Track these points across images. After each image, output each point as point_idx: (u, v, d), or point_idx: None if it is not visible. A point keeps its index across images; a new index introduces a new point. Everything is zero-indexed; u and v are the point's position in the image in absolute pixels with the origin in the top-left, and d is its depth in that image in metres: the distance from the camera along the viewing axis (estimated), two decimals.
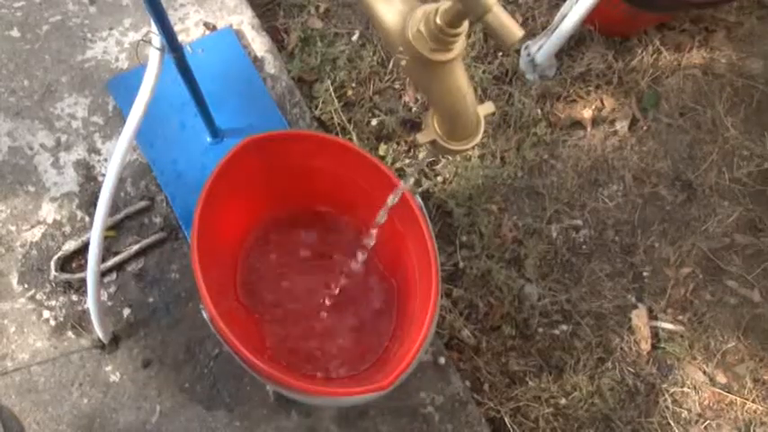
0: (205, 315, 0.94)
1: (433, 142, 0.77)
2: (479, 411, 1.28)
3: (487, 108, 0.78)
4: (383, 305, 1.23)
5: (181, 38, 1.35)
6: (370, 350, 1.18)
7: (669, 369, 1.42)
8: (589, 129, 1.56)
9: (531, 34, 1.60)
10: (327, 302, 1.21)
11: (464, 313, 1.39)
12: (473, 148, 0.80)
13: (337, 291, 1.21)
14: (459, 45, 0.66)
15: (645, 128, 1.58)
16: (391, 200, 0.97)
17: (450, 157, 1.47)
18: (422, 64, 0.67)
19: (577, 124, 1.57)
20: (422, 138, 0.78)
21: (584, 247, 1.48)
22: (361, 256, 1.13)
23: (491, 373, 1.35)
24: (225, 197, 1.08)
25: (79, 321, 1.25)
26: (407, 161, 1.48)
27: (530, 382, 1.36)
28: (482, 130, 0.77)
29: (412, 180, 1.08)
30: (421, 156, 1.45)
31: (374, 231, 1.08)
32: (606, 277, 1.46)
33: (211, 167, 1.04)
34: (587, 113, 1.57)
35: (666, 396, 1.39)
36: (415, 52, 0.65)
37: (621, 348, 1.41)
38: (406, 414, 1.26)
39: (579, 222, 1.50)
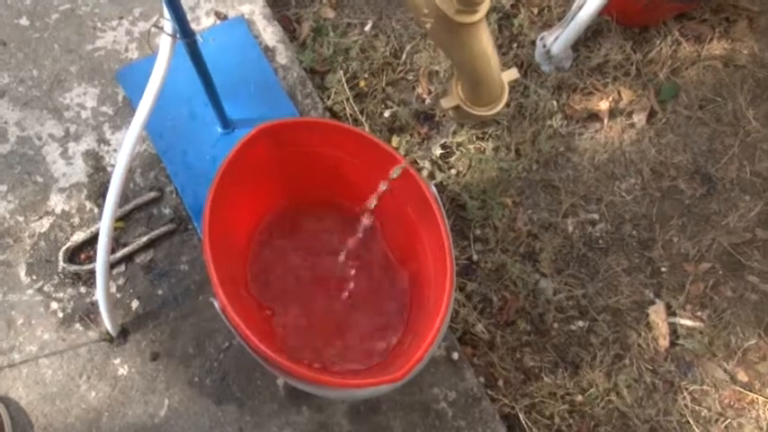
0: (216, 305, 0.93)
1: (456, 108, 0.77)
2: (493, 408, 1.27)
3: (512, 74, 0.77)
4: (396, 297, 1.22)
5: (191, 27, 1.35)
6: (383, 343, 1.17)
7: (688, 366, 1.40)
8: (606, 121, 1.55)
9: (546, 25, 1.58)
10: (340, 294, 1.20)
11: (478, 308, 1.38)
12: (497, 114, 0.80)
13: (350, 283, 1.20)
14: (484, 6, 0.65)
15: (663, 120, 1.56)
16: (394, 172, 0.97)
17: (472, 126, 1.47)
18: (446, 26, 0.66)
19: (594, 116, 1.55)
20: (445, 103, 0.78)
21: (600, 241, 1.47)
22: (366, 241, 1.13)
23: (505, 368, 1.34)
24: (236, 187, 1.07)
25: (87, 314, 1.24)
26: (421, 153, 1.47)
27: (545, 379, 1.35)
28: (506, 96, 0.77)
29: (427, 162, 1.08)
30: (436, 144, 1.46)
31: (374, 199, 1.08)
32: (623, 272, 1.44)
33: (222, 158, 1.04)
34: (604, 105, 1.55)
35: (685, 394, 1.37)
36: (439, 13, 0.65)
37: (639, 345, 1.40)
38: (418, 409, 1.25)
39: (596, 216, 1.48)
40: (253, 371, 1.23)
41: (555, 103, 1.54)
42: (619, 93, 1.57)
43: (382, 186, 1.05)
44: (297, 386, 1.00)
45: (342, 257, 1.24)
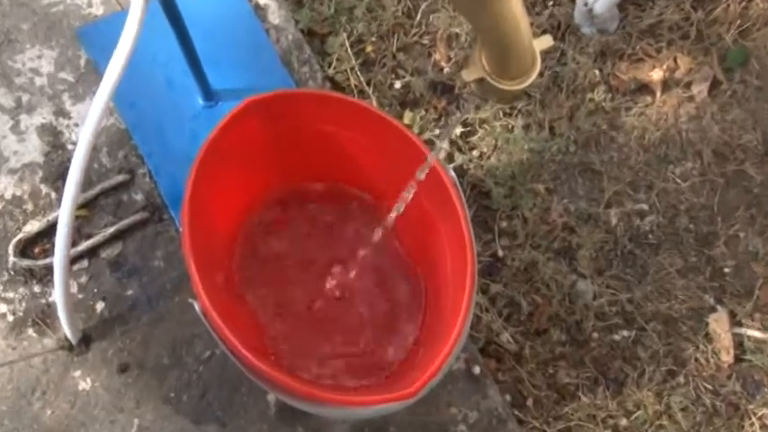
0: (197, 308, 0.94)
1: (480, 81, 0.78)
2: (521, 431, 1.29)
3: (544, 42, 0.78)
4: (407, 301, 1.22)
5: None
6: (392, 354, 1.18)
7: (757, 386, 1.40)
8: (659, 94, 1.55)
9: None
10: (341, 297, 1.21)
11: (504, 313, 1.39)
12: (527, 89, 0.80)
13: (354, 284, 1.21)
14: None
15: (729, 92, 1.56)
16: (421, 172, 0.97)
17: (498, 102, 1.47)
18: None
19: (644, 88, 1.55)
20: (467, 75, 0.78)
21: (650, 236, 1.47)
22: (376, 237, 1.14)
23: (536, 385, 1.35)
24: (221, 170, 1.07)
25: (43, 317, 1.25)
26: (438, 131, 1.48)
27: (583, 398, 1.35)
28: (538, 67, 0.78)
29: (445, 143, 1.09)
30: (455, 117, 1.46)
31: (394, 215, 1.09)
32: (677, 273, 1.45)
33: (204, 135, 1.04)
34: (657, 75, 1.55)
35: (754, 419, 1.37)
36: None
37: (696, 360, 1.40)
38: None
39: (645, 207, 1.49)
40: (238, 385, 1.24)
41: (597, 72, 1.54)
42: (675, 60, 1.57)
43: (408, 192, 1.05)
44: (290, 404, 1.01)
45: (345, 254, 1.25)
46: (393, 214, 1.10)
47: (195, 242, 0.97)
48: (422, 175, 1.01)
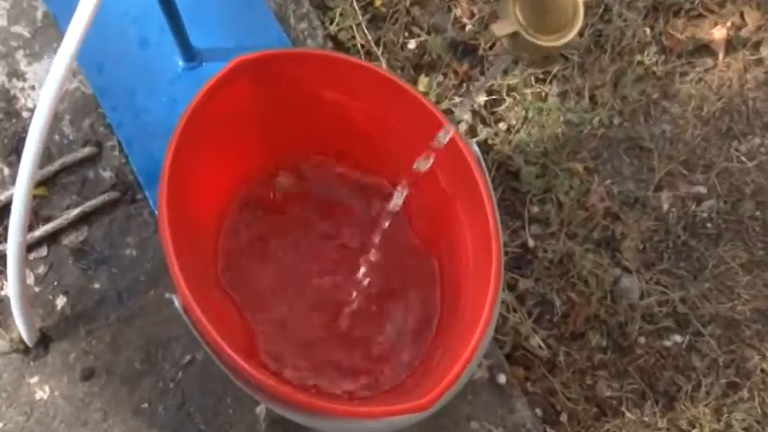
0: (177, 303, 0.94)
1: (513, 35, 0.79)
2: None
3: None
4: (422, 298, 1.23)
5: None
6: (403, 359, 1.18)
7: None
8: (721, 56, 1.55)
9: None
10: (344, 292, 1.22)
11: (534, 314, 1.40)
12: (566, 46, 0.81)
13: (358, 276, 1.21)
14: None
15: None
16: (439, 140, 0.97)
17: (533, 61, 1.48)
18: None
19: (704, 49, 1.55)
20: (498, 29, 0.79)
21: (709, 224, 1.48)
22: (386, 224, 1.14)
23: (571, 398, 1.36)
24: (205, 144, 1.08)
25: None
26: (458, 100, 1.49)
27: (627, 414, 1.36)
28: (580, 20, 0.79)
29: (467, 112, 1.08)
30: (475, 88, 1.46)
31: (403, 188, 1.10)
32: (741, 268, 1.45)
33: (185, 102, 1.04)
34: (719, 34, 1.55)
35: None
36: None
37: (763, 371, 1.40)
38: None
39: (702, 190, 1.49)
40: (223, 395, 1.25)
41: (648, 30, 1.55)
42: (741, 15, 1.57)
43: (422, 163, 1.05)
44: (284, 415, 1.01)
45: (349, 244, 1.26)
46: (402, 190, 1.10)
47: (175, 227, 0.97)
48: (439, 144, 1.01)
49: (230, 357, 0.92)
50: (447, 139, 1.02)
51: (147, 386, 1.25)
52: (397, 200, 1.12)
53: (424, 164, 1.04)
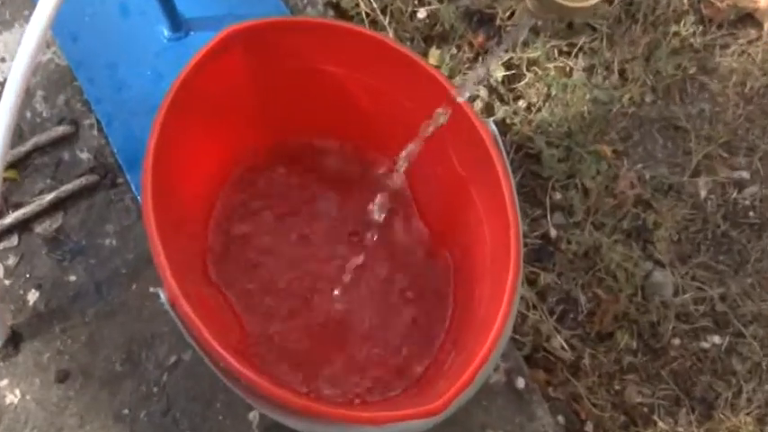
0: (163, 297, 0.94)
1: None
2: None
3: None
4: (432, 294, 1.23)
5: None
6: (412, 360, 1.18)
7: None
8: (767, 26, 1.55)
9: None
10: (347, 288, 1.22)
11: (557, 312, 1.40)
12: (594, 11, 0.82)
13: (362, 269, 1.22)
14: None
15: None
16: (446, 107, 0.97)
17: (552, 34, 1.48)
18: None
19: (747, 19, 1.55)
20: None
21: (751, 213, 1.48)
22: (379, 202, 1.15)
23: (598, 405, 1.36)
24: (193, 122, 1.08)
25: None
26: (473, 74, 1.48)
27: (659, 423, 1.36)
28: None
29: (482, 81, 1.08)
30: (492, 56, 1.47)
31: (404, 157, 1.10)
32: None
33: (171, 76, 1.04)
34: (764, 2, 1.54)
35: None
36: None
37: None
38: None
39: (745, 175, 1.49)
40: (212, 399, 1.25)
41: None
42: None
43: (425, 130, 1.05)
44: (280, 421, 1.01)
45: (353, 233, 1.26)
46: (402, 162, 1.11)
47: (160, 214, 0.97)
48: (442, 118, 1.02)
49: (222, 357, 0.92)
50: (458, 97, 1.03)
51: (129, 390, 1.25)
52: (399, 176, 1.12)
53: (425, 131, 1.05)
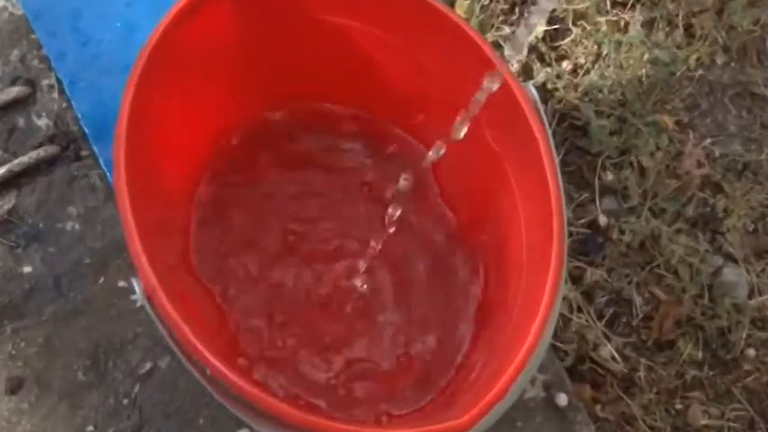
0: (137, 289, 0.93)
1: None
2: None
3: None
4: (456, 290, 1.24)
5: None
6: (432, 368, 1.19)
7: None
8: None
9: None
10: (354, 282, 1.23)
11: (606, 315, 1.40)
12: None
13: (373, 261, 1.23)
14: None
15: None
16: (488, 84, 0.98)
17: None
18: None
19: None
20: None
21: None
22: (403, 186, 1.16)
23: (655, 427, 1.36)
24: (174, 84, 1.08)
25: None
26: (508, 30, 1.50)
27: None
28: None
29: (523, 48, 1.08)
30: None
31: (434, 155, 1.11)
32: None
33: (146, 29, 1.04)
34: None
35: None
36: None
37: None
38: None
39: None
40: (194, 414, 1.25)
41: None
42: None
43: (463, 121, 1.04)
44: None
45: (363, 219, 1.27)
46: (433, 155, 1.10)
47: (135, 192, 0.97)
48: (485, 93, 1.02)
49: (210, 362, 0.91)
50: (496, 87, 1.02)
51: (94, 403, 1.26)
52: (427, 164, 1.13)
53: (463, 123, 1.05)
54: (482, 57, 1.09)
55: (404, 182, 1.15)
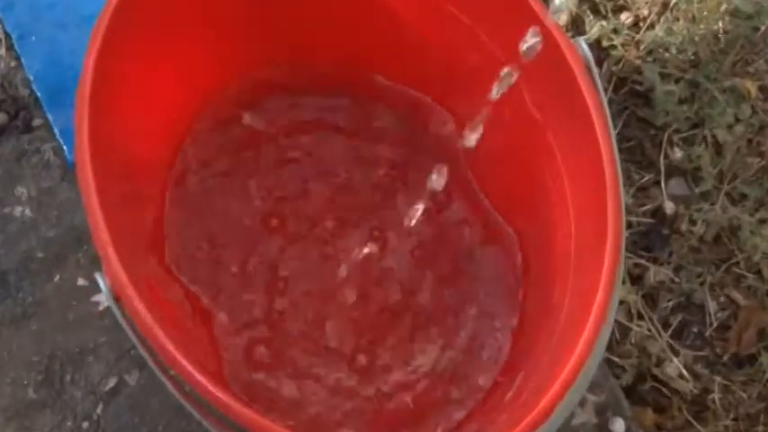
0: (103, 287, 0.93)
1: None
2: None
3: None
4: (490, 293, 1.24)
5: None
6: (463, 384, 1.19)
7: None
8: None
9: None
10: (365, 278, 1.23)
11: (673, 323, 1.41)
12: None
13: (390, 257, 1.24)
14: None
15: None
16: (528, 45, 0.98)
17: None
18: None
19: None
20: None
21: None
22: (438, 176, 1.16)
23: None
24: (147, 40, 1.08)
25: None
26: None
27: None
28: None
29: None
30: None
31: (475, 135, 1.10)
32: None
33: None
34: None
35: None
36: None
37: None
38: None
39: None
40: None
41: None
42: None
43: (500, 86, 1.04)
44: None
45: (377, 203, 1.28)
46: (473, 135, 1.12)
47: (101, 169, 0.96)
48: (530, 52, 1.02)
49: (195, 380, 0.90)
50: (539, 44, 1.02)
51: (47, 424, 1.26)
52: (469, 143, 1.13)
53: (500, 87, 1.05)
54: (523, 9, 1.07)
55: (436, 177, 1.16)
